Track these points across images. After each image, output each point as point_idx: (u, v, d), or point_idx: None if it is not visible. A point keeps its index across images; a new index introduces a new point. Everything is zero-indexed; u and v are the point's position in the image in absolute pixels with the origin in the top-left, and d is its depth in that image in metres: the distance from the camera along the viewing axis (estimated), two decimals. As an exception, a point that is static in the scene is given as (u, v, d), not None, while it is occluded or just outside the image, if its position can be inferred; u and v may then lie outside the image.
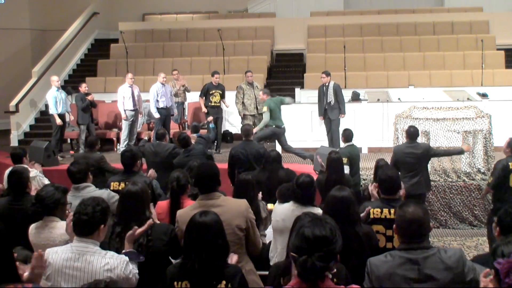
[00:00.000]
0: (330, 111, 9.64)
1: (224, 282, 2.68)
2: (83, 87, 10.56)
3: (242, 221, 3.39)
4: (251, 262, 3.53)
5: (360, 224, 3.62)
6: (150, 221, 3.38)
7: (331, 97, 9.61)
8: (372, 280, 2.73)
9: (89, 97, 10.41)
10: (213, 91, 10.25)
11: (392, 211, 3.95)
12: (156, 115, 10.34)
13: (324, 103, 9.69)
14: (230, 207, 3.43)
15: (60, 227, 3.66)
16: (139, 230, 3.29)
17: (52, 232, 3.64)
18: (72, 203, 4.04)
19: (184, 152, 6.93)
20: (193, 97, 11.35)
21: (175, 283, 2.73)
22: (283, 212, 4.08)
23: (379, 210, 3.95)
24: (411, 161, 6.47)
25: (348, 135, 7.17)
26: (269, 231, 4.50)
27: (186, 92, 11.31)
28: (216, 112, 10.33)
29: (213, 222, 2.77)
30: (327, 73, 9.82)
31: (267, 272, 3.21)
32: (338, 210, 3.38)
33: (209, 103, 10.30)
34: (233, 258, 2.98)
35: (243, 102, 10.40)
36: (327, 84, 9.70)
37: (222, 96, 10.40)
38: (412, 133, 6.56)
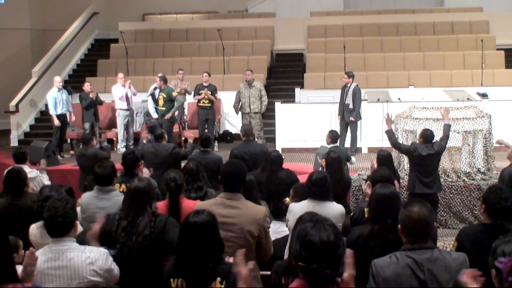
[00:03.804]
0: (346, 114, 9.68)
1: (218, 279, 2.73)
2: (86, 86, 10.65)
3: (255, 229, 3.39)
4: (258, 269, 3.50)
5: None
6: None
7: (350, 100, 9.63)
8: (378, 282, 2.73)
9: (90, 95, 10.46)
10: (202, 92, 10.29)
11: None
12: (154, 115, 10.37)
13: (343, 104, 9.75)
14: (247, 212, 3.43)
15: None
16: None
17: None
18: (96, 204, 4.13)
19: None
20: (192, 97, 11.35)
21: (171, 280, 2.79)
22: (302, 209, 4.08)
23: None
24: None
25: (334, 136, 7.24)
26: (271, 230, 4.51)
27: (187, 94, 11.33)
28: (206, 113, 10.32)
29: (204, 223, 2.78)
30: (349, 74, 9.83)
31: (269, 272, 3.22)
32: (387, 206, 3.39)
33: (198, 104, 10.34)
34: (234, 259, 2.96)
35: (239, 101, 10.46)
36: (348, 85, 9.72)
37: (213, 95, 10.41)
38: (428, 136, 6.45)
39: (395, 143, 6.56)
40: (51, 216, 2.99)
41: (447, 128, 6.61)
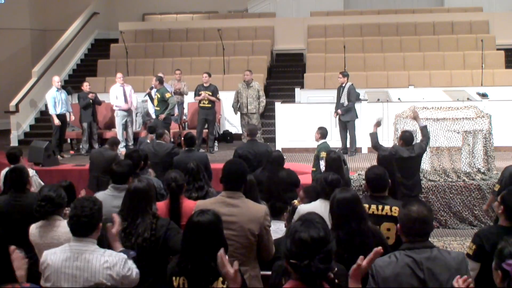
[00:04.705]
0: (342, 112, 9.70)
1: (220, 279, 2.73)
2: (85, 86, 10.67)
3: (256, 227, 3.38)
4: (258, 268, 3.51)
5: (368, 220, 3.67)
6: (115, 215, 3.34)
7: (344, 99, 9.69)
8: (378, 282, 2.72)
9: (89, 95, 10.47)
10: (202, 92, 10.32)
11: (380, 207, 4.05)
12: (153, 116, 10.39)
13: (339, 104, 9.80)
14: (247, 210, 3.43)
15: (64, 225, 3.66)
16: (116, 226, 3.27)
17: (56, 231, 3.65)
18: (112, 202, 4.11)
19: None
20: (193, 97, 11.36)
21: (174, 278, 2.80)
22: (315, 210, 4.09)
23: (366, 206, 4.02)
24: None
25: (323, 132, 7.24)
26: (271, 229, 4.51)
27: (184, 94, 11.34)
28: (206, 113, 10.34)
29: (208, 223, 2.79)
30: (344, 74, 9.91)
31: (269, 272, 3.22)
32: (351, 209, 3.41)
33: (199, 104, 10.37)
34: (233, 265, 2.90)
35: (237, 101, 10.47)
36: (343, 85, 9.77)
37: (214, 96, 10.41)
38: (408, 138, 6.42)
39: (375, 145, 6.55)
40: (77, 215, 2.97)
41: (424, 130, 6.55)
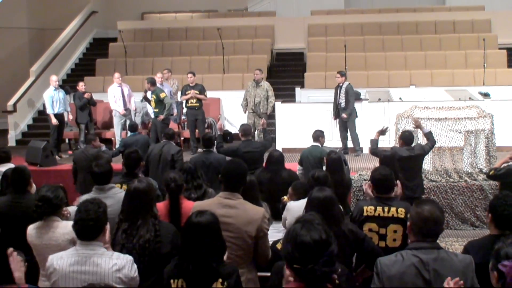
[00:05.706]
0: (341, 112, 9.69)
1: (220, 280, 2.72)
2: (80, 86, 10.61)
3: (253, 229, 3.35)
4: (255, 271, 3.48)
5: (343, 221, 3.63)
6: (106, 227, 3.20)
7: (342, 99, 9.65)
8: (383, 280, 2.70)
9: (85, 95, 10.40)
10: (189, 92, 10.27)
11: (386, 209, 4.01)
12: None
13: (337, 104, 9.74)
14: (244, 212, 3.40)
15: (62, 226, 3.65)
16: (107, 234, 3.15)
17: (55, 232, 3.63)
18: None
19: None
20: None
21: (172, 281, 2.78)
22: (301, 208, 4.04)
23: (372, 208, 4.01)
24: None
25: (314, 135, 7.12)
26: (273, 229, 4.46)
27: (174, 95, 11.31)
28: (195, 113, 10.29)
29: (208, 223, 2.78)
30: (341, 73, 9.86)
31: (269, 274, 3.17)
32: (323, 210, 3.38)
33: (187, 104, 10.33)
34: None
35: (246, 100, 10.41)
36: (341, 84, 9.71)
37: (202, 95, 10.33)
38: (407, 137, 6.37)
39: (374, 151, 6.51)
40: (82, 219, 2.95)
41: (430, 135, 6.52)
